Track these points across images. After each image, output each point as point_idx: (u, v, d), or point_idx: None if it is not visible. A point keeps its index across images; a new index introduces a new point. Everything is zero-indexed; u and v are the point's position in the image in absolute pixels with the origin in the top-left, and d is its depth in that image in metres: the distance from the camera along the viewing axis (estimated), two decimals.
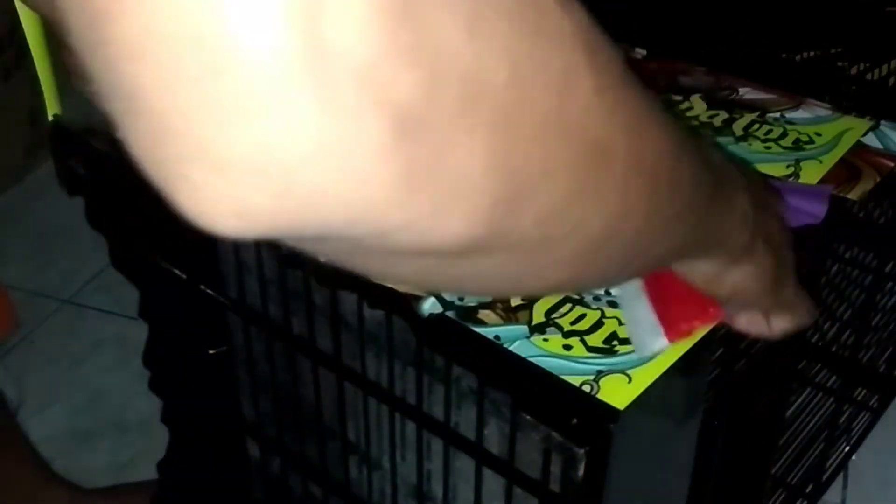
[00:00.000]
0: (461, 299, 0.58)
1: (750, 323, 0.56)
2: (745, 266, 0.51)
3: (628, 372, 0.53)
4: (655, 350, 0.54)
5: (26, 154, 1.61)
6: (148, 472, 0.94)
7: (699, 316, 0.55)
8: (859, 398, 1.09)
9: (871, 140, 0.79)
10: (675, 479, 0.64)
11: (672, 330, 0.54)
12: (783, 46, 1.02)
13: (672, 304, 0.55)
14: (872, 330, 1.01)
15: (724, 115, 0.82)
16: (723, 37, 0.99)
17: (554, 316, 0.57)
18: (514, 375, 0.53)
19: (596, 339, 0.55)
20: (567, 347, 0.55)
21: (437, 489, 0.64)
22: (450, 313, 0.57)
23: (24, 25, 0.86)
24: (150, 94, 0.22)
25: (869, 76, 0.99)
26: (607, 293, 0.59)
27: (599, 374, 0.53)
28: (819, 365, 1.00)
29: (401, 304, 0.58)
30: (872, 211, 0.91)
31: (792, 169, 0.75)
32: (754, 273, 0.51)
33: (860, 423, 1.09)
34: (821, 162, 0.76)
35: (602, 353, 0.55)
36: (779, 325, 0.56)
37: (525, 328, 0.56)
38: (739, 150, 0.77)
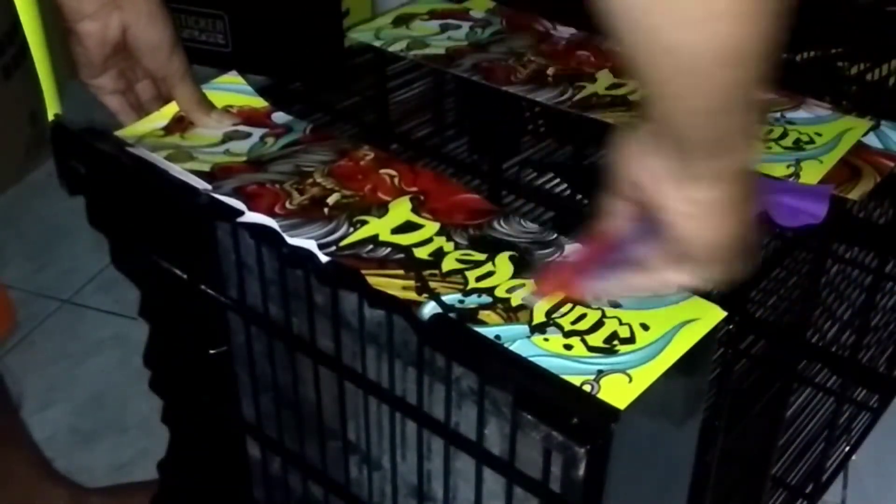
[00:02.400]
0: (461, 301, 0.58)
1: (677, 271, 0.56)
2: (717, 188, 0.51)
3: (629, 372, 0.53)
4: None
5: (26, 154, 1.61)
6: (148, 472, 0.94)
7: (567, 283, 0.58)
8: (859, 398, 1.09)
9: (871, 140, 0.79)
10: (675, 479, 0.64)
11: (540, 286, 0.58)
12: (783, 46, 1.01)
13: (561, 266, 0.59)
14: (872, 330, 1.02)
15: None
16: None
17: (554, 316, 0.57)
18: (514, 375, 0.53)
19: (596, 339, 0.55)
20: (568, 347, 0.55)
21: (438, 489, 0.64)
22: (451, 315, 0.57)
23: (24, 25, 0.86)
24: None
25: (869, 76, 0.99)
26: None
27: (600, 374, 0.53)
28: (819, 365, 1.00)
29: (401, 304, 0.58)
30: (872, 211, 0.91)
31: (792, 169, 0.75)
32: (719, 200, 0.52)
33: (860, 423, 1.09)
34: (821, 162, 0.76)
35: (602, 352, 0.55)
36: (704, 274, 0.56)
37: (526, 328, 0.56)
38: None
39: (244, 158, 0.71)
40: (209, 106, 0.76)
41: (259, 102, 0.78)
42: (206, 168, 0.69)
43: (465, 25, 0.96)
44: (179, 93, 0.75)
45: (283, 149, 0.73)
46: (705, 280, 0.56)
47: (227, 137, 0.74)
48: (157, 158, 0.70)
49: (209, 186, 0.67)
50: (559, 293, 0.58)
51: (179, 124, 0.75)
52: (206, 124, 0.75)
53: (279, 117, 0.76)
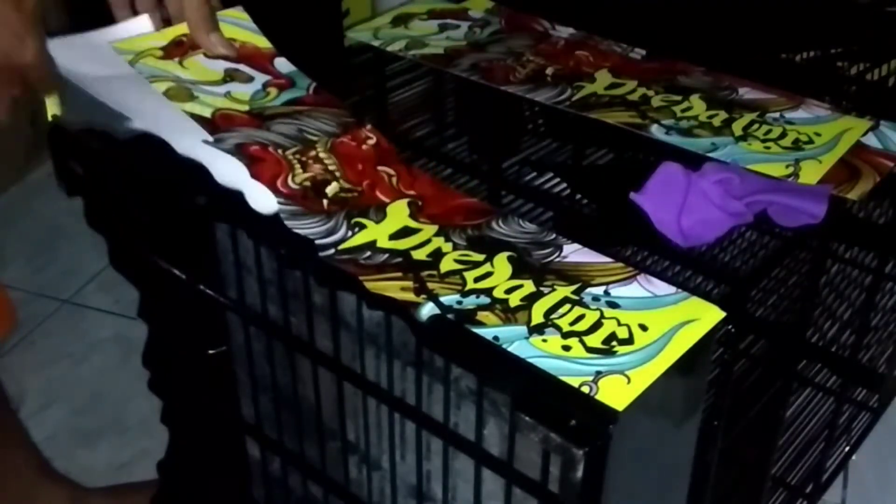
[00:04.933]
0: (459, 303, 0.58)
1: None
2: None
3: (627, 373, 0.53)
4: None
5: (26, 154, 1.61)
6: (148, 472, 0.94)
7: None
8: (859, 398, 1.09)
9: (871, 140, 0.79)
10: (675, 480, 0.64)
11: None
12: (783, 46, 1.01)
13: None
14: (872, 330, 1.01)
15: (723, 115, 0.82)
16: (723, 37, 0.99)
17: (553, 317, 0.57)
18: (512, 376, 0.53)
19: (595, 340, 0.55)
20: (566, 348, 0.55)
21: (437, 489, 0.64)
22: (449, 317, 0.57)
23: None
24: None
25: (869, 76, 0.99)
26: (606, 293, 0.59)
27: (598, 375, 0.53)
28: (819, 365, 1.00)
29: (399, 305, 0.58)
30: (872, 211, 0.91)
31: (792, 169, 0.75)
32: None
33: (860, 423, 1.09)
34: (821, 162, 0.76)
35: (601, 353, 0.54)
36: None
37: (524, 329, 0.56)
38: (739, 150, 0.77)
39: (246, 108, 0.70)
40: (214, 25, 0.73)
41: (263, 42, 0.76)
42: (206, 113, 0.68)
43: (464, 25, 0.96)
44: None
45: (286, 105, 0.71)
46: None
47: (229, 76, 0.72)
48: (157, 106, 0.68)
49: (210, 138, 0.66)
50: None
51: (178, 48, 0.73)
52: (205, 44, 0.73)
53: (282, 65, 0.75)
